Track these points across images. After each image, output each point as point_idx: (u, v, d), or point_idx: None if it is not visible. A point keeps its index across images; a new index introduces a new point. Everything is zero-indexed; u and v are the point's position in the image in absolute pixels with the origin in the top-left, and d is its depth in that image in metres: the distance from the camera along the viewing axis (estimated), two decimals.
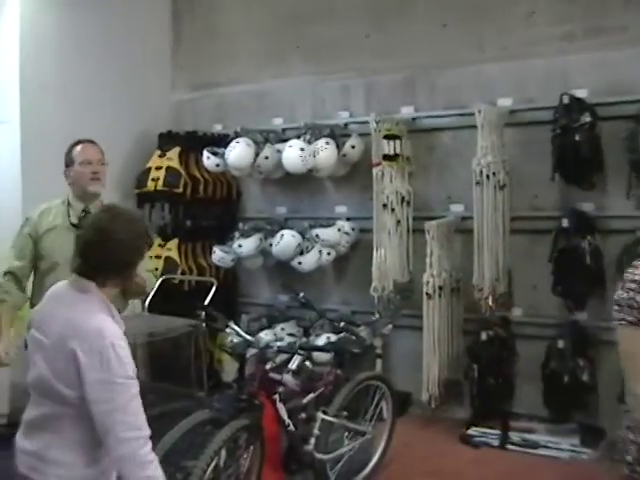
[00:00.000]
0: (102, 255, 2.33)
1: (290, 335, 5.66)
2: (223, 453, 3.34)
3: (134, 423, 2.23)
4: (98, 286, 2.35)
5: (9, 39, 5.69)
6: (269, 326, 5.91)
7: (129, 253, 2.39)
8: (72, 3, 5.96)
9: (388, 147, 5.28)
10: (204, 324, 5.04)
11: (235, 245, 5.76)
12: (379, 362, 5.49)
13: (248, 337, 3.77)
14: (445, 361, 5.16)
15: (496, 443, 4.79)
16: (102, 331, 2.26)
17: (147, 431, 2.25)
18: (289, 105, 6.26)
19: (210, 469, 3.23)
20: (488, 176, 4.86)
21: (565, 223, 4.81)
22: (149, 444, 2.24)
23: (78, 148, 3.79)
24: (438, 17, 5.54)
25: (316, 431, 3.81)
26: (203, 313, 4.73)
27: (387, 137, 5.28)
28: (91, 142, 3.85)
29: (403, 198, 5.31)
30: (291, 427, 3.72)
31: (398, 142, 5.31)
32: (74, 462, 2.29)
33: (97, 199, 3.76)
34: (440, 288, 5.09)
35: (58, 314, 2.34)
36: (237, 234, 5.84)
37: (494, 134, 4.96)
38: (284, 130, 6.10)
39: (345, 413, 4.01)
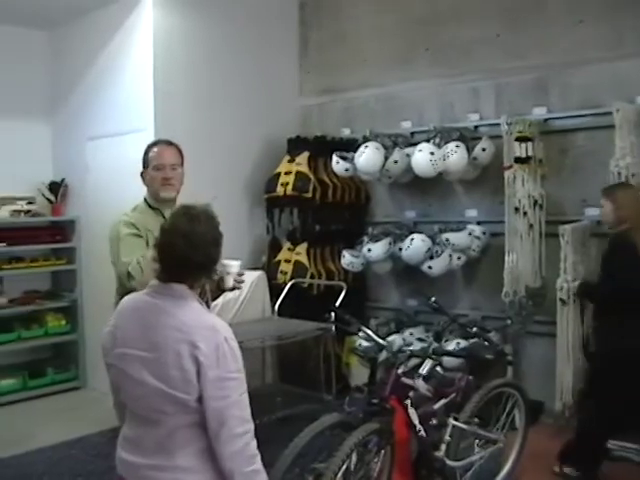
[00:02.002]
0: (193, 258, 2.30)
1: (419, 340, 5.62)
2: (354, 456, 3.33)
3: (246, 417, 2.26)
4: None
5: (144, 51, 5.96)
6: (397, 331, 5.89)
7: (215, 249, 2.38)
8: (202, 13, 6.19)
9: (520, 149, 5.15)
10: (334, 327, 5.08)
11: (364, 249, 5.77)
12: (510, 369, 5.37)
13: (381, 341, 3.75)
14: (580, 369, 4.98)
15: (637, 459, 4.56)
16: (215, 327, 2.27)
17: (252, 424, 2.28)
18: (418, 108, 6.22)
19: (341, 472, 3.23)
20: (627, 178, 4.67)
21: None
22: (254, 438, 2.27)
23: (154, 150, 3.60)
24: (574, 13, 5.35)
25: (447, 437, 3.75)
26: (333, 316, 4.76)
27: (519, 139, 5.16)
28: (168, 143, 3.64)
29: (536, 201, 5.17)
30: (422, 433, 3.66)
31: (530, 144, 5.17)
32: (201, 467, 2.28)
33: (174, 204, 3.49)
34: (575, 294, 4.92)
35: (158, 324, 2.28)
36: (366, 238, 5.86)
37: (633, 134, 4.75)
38: (413, 134, 6.07)
39: (476, 420, 3.94)
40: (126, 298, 2.49)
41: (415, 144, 5.68)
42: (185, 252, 2.28)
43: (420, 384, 3.72)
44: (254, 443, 2.27)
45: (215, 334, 2.25)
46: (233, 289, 3.17)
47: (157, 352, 2.25)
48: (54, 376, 6.75)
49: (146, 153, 3.61)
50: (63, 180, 6.94)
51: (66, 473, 4.85)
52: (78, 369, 6.92)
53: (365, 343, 4.69)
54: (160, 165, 3.53)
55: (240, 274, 3.12)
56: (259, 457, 2.28)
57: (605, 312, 4.39)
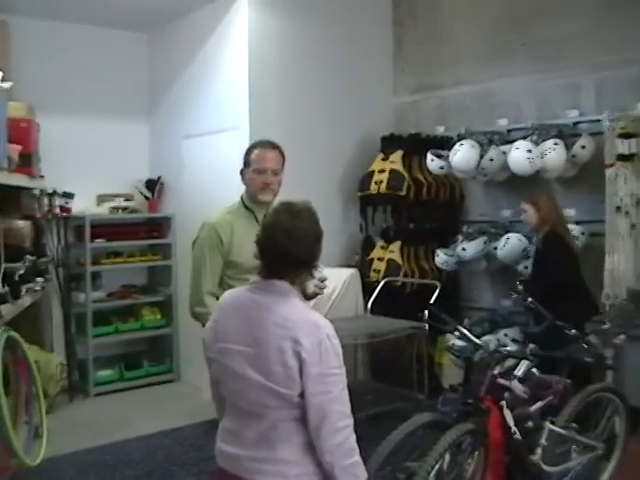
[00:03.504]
0: (294, 253, 2.30)
1: (514, 341, 5.51)
2: (447, 456, 3.29)
3: (346, 412, 2.26)
4: None
5: (239, 50, 6.07)
6: (491, 331, 5.79)
7: (316, 245, 2.38)
8: (296, 12, 6.26)
9: (622, 146, 4.99)
10: (427, 326, 5.03)
11: (459, 248, 5.71)
12: (610, 374, 5.19)
13: (477, 340, 3.68)
14: None
15: None
16: (317, 323, 2.27)
17: (352, 419, 2.28)
18: (514, 105, 6.10)
19: (434, 472, 3.20)
20: None
21: None
22: (354, 432, 2.28)
23: (256, 153, 3.56)
24: None
25: (543, 441, 3.66)
26: (426, 315, 4.71)
27: (622, 136, 4.99)
28: (272, 146, 3.59)
29: (639, 200, 4.99)
30: (517, 435, 3.58)
31: (634, 141, 4.99)
32: (302, 460, 2.30)
33: (269, 206, 3.42)
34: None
35: (260, 320, 2.29)
36: (461, 237, 5.80)
37: None
38: (509, 131, 5.95)
39: (574, 425, 3.83)
40: (227, 294, 2.52)
41: (511, 141, 5.59)
42: (286, 247, 2.29)
43: (516, 385, 3.63)
44: (354, 437, 2.28)
45: (317, 330, 2.25)
46: (315, 295, 3.15)
47: (259, 347, 2.27)
48: (149, 368, 6.95)
49: (248, 153, 3.60)
50: (159, 178, 7.12)
51: (161, 462, 5.00)
52: (172, 362, 7.08)
53: (460, 342, 4.62)
54: (262, 169, 3.52)
55: (322, 279, 3.07)
56: (358, 451, 2.29)
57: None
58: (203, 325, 3.43)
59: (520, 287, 4.95)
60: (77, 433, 5.47)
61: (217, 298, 3.37)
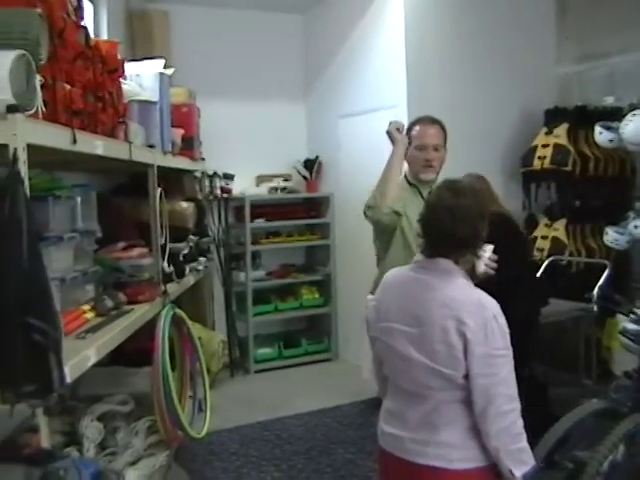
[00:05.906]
0: (458, 232, 2.25)
1: None
2: (621, 448, 3.10)
3: (513, 395, 2.20)
4: None
5: (395, 26, 5.95)
6: None
7: (481, 224, 2.31)
8: None
9: None
10: (595, 308, 4.79)
11: (631, 226, 5.37)
12: None
13: None
14: None
15: None
16: (482, 303, 2.22)
17: (519, 403, 2.22)
18: None
19: (607, 463, 3.02)
20: None
21: None
22: (520, 417, 2.21)
23: (416, 129, 3.54)
24: None
25: None
26: (595, 296, 4.47)
27: None
28: (432, 122, 3.56)
29: None
30: None
31: None
32: (465, 444, 2.26)
33: (433, 183, 3.39)
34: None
35: (423, 299, 2.27)
36: (632, 214, 5.44)
37: None
38: None
39: None
40: (390, 273, 2.51)
41: None
42: (450, 226, 2.25)
43: None
44: (520, 422, 2.22)
45: (483, 310, 2.20)
46: (485, 274, 3.04)
47: (422, 327, 2.24)
48: (307, 347, 7.03)
49: (409, 130, 3.56)
50: (317, 157, 7.15)
51: (320, 439, 5.06)
52: (330, 341, 7.13)
53: (634, 326, 4.33)
54: (422, 145, 3.49)
55: (493, 259, 2.97)
56: (525, 436, 2.22)
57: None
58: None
59: None
60: (239, 408, 5.62)
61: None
